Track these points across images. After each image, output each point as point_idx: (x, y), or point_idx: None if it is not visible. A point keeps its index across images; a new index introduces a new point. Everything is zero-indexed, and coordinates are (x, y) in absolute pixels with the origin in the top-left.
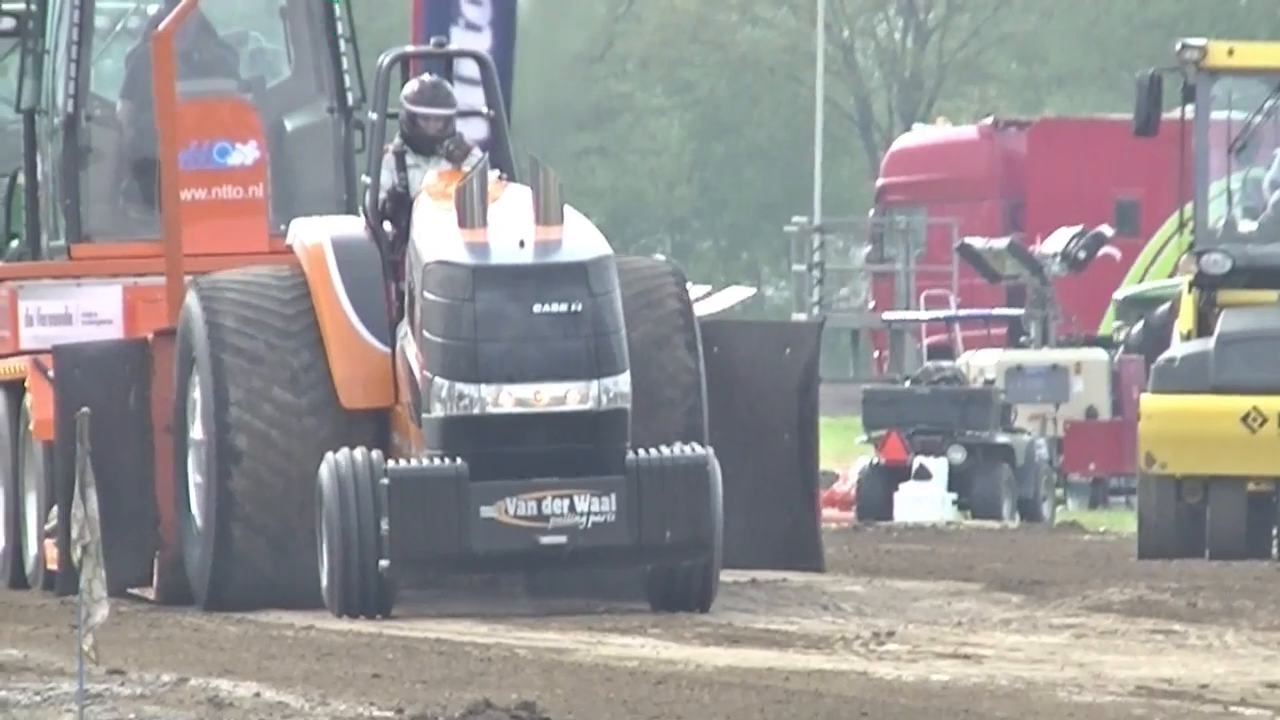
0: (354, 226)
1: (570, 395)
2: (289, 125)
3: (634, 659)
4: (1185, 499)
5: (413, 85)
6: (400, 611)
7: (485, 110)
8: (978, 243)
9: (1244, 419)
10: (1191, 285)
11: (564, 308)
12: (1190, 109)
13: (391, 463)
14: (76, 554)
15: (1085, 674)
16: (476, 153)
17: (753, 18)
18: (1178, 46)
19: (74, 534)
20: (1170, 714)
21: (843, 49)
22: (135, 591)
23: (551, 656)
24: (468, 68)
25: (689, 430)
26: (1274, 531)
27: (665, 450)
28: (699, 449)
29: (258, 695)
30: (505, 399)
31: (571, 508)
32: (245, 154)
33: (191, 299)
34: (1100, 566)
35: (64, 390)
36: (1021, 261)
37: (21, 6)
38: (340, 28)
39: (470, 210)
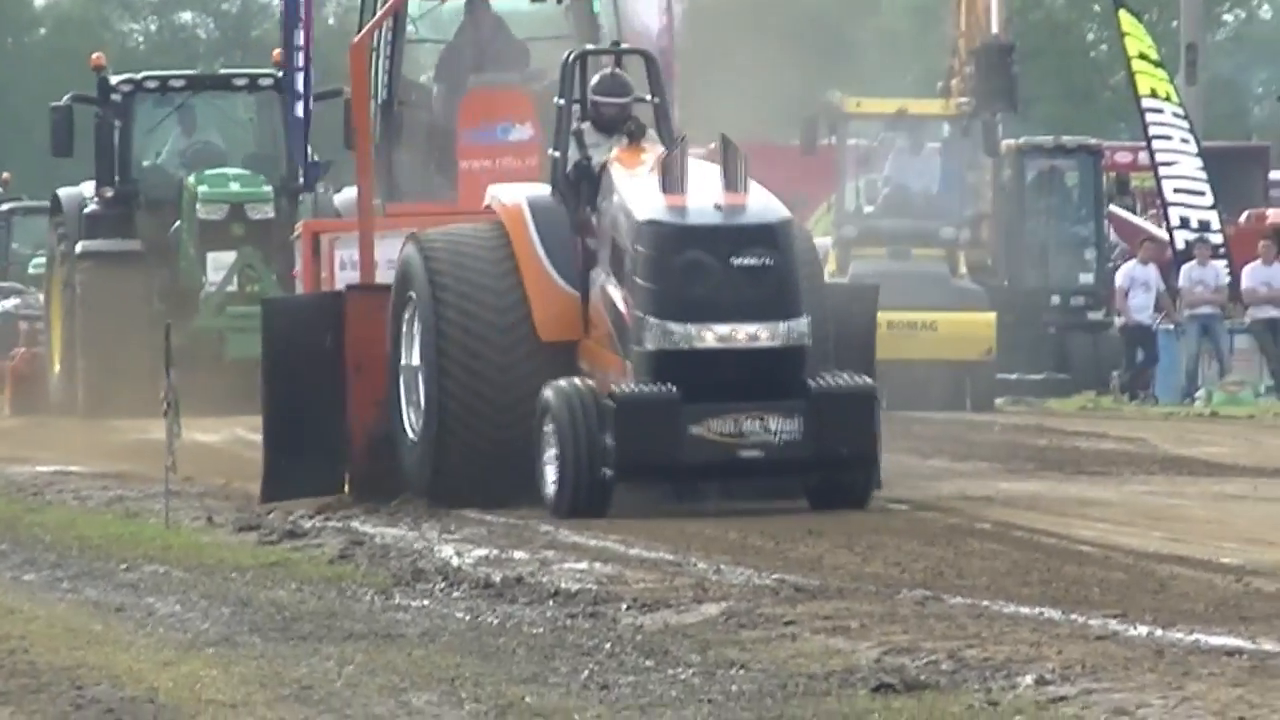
0: (541, 191)
1: (761, 333)
2: None
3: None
4: None
5: (596, 77)
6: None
7: (653, 99)
8: None
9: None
10: (835, 244)
11: (756, 261)
12: (835, 139)
13: (615, 387)
14: (164, 407)
15: None
16: (651, 134)
17: None
18: (827, 98)
19: (161, 395)
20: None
21: None
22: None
23: None
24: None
25: None
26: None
27: (838, 379)
28: (865, 379)
29: None
30: (708, 335)
31: (765, 427)
32: (523, 132)
33: (411, 249)
34: None
35: (269, 334)
36: None
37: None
38: (603, 30)
39: (673, 179)
